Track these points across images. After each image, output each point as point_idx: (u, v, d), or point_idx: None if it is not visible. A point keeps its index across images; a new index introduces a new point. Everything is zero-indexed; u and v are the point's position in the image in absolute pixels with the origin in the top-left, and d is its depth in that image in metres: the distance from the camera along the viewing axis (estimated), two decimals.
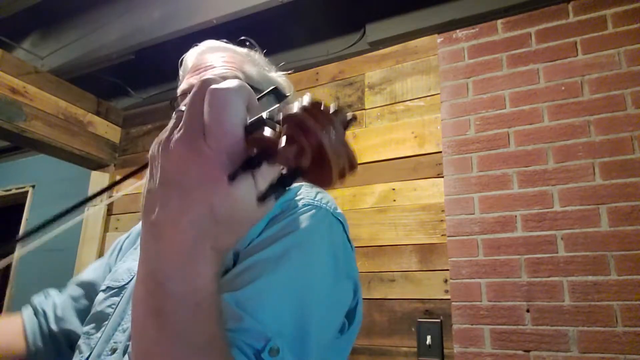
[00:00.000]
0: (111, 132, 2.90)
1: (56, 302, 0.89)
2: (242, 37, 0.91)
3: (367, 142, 2.10)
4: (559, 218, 1.66)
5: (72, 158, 2.75)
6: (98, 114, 2.83)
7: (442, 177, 1.89)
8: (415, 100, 2.06)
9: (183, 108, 0.38)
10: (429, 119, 2.00)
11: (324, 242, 0.65)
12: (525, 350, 1.58)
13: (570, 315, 1.55)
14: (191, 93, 0.38)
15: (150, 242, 0.38)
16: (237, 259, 0.62)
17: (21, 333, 0.85)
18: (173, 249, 0.37)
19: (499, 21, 1.96)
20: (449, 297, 1.75)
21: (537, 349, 1.56)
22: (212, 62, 0.79)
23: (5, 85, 2.33)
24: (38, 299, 0.91)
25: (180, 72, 0.87)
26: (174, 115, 0.40)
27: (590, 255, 1.58)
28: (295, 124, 0.34)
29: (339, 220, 0.70)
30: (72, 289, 0.90)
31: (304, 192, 0.70)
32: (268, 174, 0.37)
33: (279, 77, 0.88)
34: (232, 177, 0.35)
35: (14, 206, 3.52)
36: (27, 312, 0.89)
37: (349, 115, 0.37)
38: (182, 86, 0.82)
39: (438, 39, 2.08)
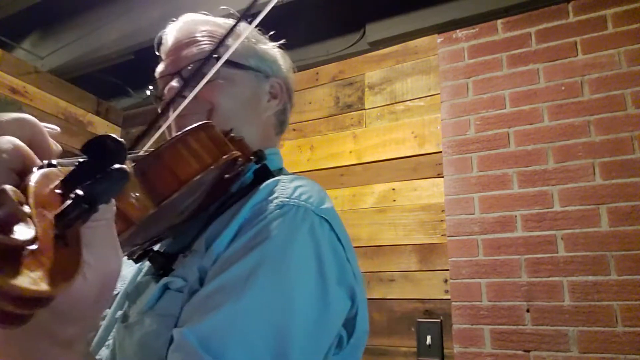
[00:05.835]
0: (111, 132, 2.78)
1: None
2: (225, 8, 0.84)
3: (367, 142, 2.10)
4: (559, 218, 1.66)
5: None
6: (98, 114, 2.83)
7: (442, 177, 1.89)
8: (415, 100, 2.06)
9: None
10: (429, 119, 2.00)
11: (304, 249, 0.55)
12: (525, 350, 1.58)
13: (570, 315, 1.55)
14: None
15: None
16: (205, 278, 0.55)
17: None
18: None
19: (499, 21, 1.96)
20: (449, 297, 1.75)
21: (537, 349, 1.56)
22: (194, 36, 0.75)
23: (5, 85, 2.33)
24: None
25: (161, 50, 0.80)
26: None
27: (590, 255, 1.58)
28: None
29: (325, 218, 0.59)
30: None
31: (280, 188, 0.60)
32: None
33: (271, 50, 0.81)
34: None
35: None
36: None
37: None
38: (160, 67, 0.77)
39: (438, 39, 2.08)
